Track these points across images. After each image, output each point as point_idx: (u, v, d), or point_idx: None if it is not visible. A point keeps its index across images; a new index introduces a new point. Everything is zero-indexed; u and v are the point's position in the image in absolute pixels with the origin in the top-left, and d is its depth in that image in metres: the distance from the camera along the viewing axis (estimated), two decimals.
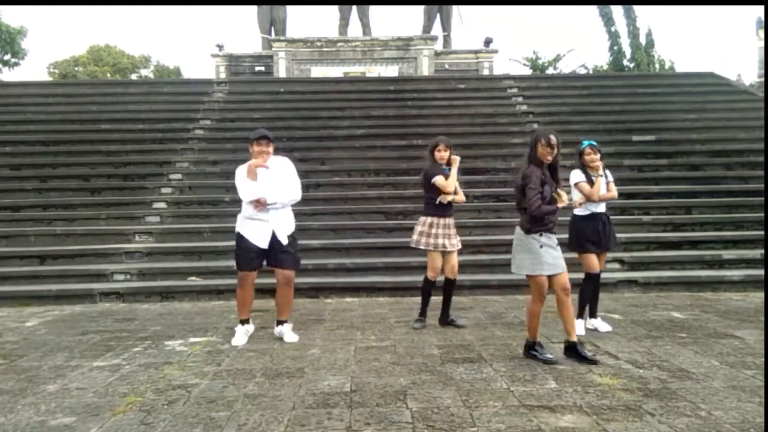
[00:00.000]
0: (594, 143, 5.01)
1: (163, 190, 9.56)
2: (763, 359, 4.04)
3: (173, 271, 7.47)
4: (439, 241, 5.05)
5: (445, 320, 5.29)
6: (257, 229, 4.72)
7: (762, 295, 6.45)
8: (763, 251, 7.47)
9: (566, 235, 4.94)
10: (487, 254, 7.63)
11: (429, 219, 5.11)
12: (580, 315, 4.96)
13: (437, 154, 5.13)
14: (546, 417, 3.07)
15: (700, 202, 8.92)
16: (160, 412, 3.23)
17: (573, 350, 4.09)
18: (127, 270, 7.38)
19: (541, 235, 4.05)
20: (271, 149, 4.73)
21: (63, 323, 5.76)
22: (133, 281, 7.28)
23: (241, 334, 4.84)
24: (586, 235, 4.89)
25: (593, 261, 4.90)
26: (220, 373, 3.94)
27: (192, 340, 4.95)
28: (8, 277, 7.33)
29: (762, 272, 6.98)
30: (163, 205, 9.17)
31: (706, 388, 3.50)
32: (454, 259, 5.18)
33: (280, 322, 4.94)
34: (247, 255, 4.75)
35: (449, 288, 5.27)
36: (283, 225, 4.80)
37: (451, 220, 5.17)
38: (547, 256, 4.01)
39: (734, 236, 8.14)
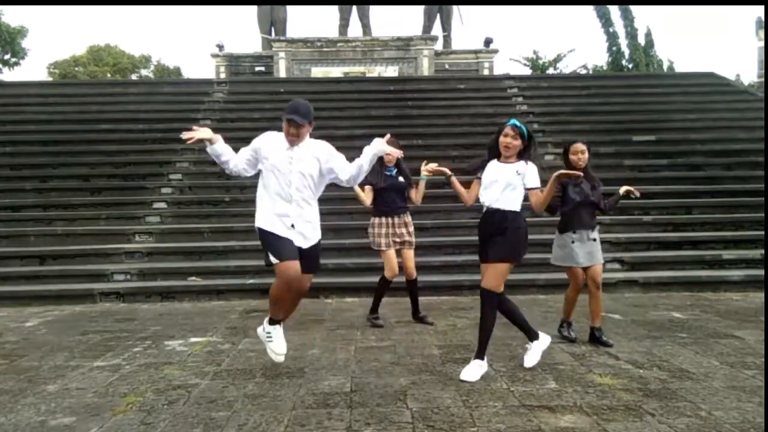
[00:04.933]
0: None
1: (163, 190, 9.56)
2: (763, 359, 4.04)
3: (173, 271, 7.47)
4: None
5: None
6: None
7: (762, 295, 6.45)
8: (763, 251, 7.47)
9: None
10: None
11: None
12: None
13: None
14: (546, 417, 3.07)
15: (700, 202, 8.92)
16: (160, 412, 3.23)
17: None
18: (127, 270, 7.38)
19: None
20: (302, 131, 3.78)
21: (63, 323, 5.76)
22: (133, 281, 7.28)
23: None
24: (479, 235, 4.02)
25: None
26: (220, 373, 3.94)
27: (192, 340, 4.95)
28: (8, 277, 7.34)
29: (762, 272, 6.97)
30: (163, 205, 9.17)
31: (706, 388, 3.50)
32: None
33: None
34: None
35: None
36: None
37: None
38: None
39: (734, 236, 8.14)
